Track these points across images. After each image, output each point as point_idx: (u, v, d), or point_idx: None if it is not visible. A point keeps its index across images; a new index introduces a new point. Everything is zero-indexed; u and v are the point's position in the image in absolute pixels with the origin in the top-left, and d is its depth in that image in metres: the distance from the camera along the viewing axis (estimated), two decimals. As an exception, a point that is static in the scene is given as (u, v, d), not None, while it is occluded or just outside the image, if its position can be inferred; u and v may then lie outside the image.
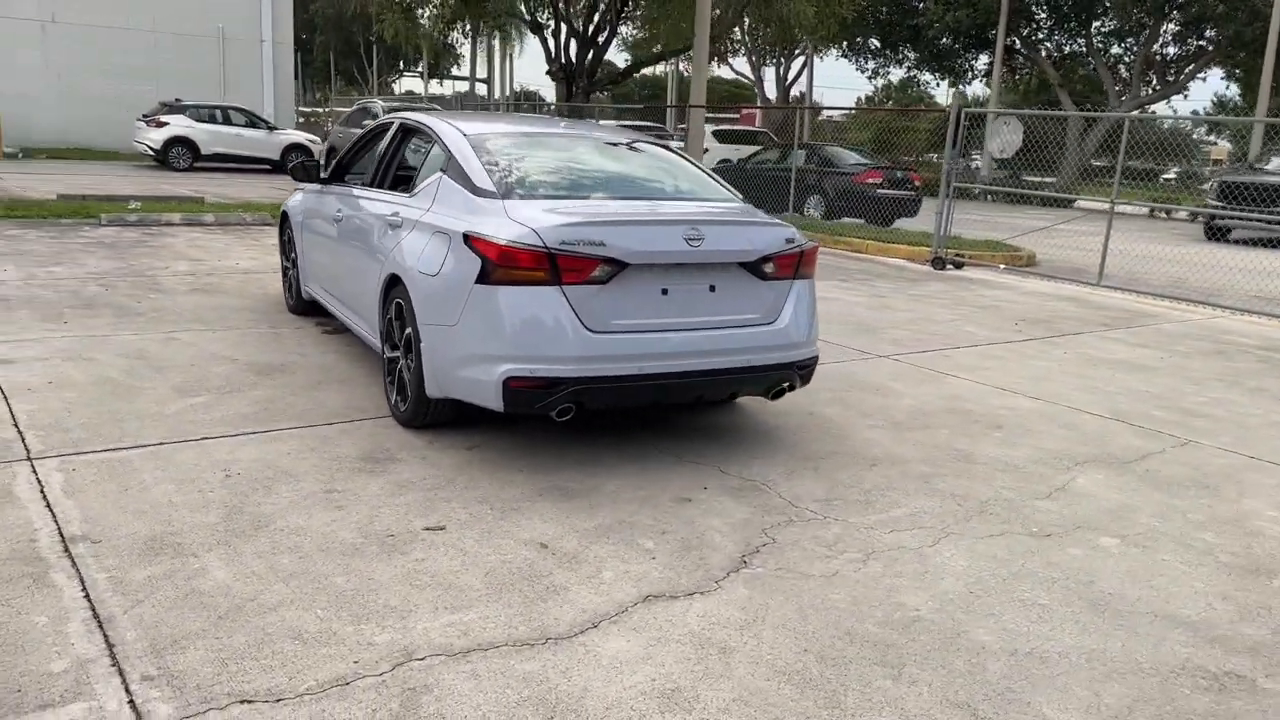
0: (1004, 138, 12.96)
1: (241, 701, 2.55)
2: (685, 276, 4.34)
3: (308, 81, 47.74)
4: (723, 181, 5.27)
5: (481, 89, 50.25)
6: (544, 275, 4.06)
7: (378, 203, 5.38)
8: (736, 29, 21.66)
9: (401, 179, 5.58)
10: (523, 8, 21.36)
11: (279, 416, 4.89)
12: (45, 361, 5.66)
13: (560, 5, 20.05)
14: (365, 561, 3.39)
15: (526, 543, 3.61)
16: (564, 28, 20.91)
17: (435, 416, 4.64)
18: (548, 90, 51.42)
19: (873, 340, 7.58)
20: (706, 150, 19.13)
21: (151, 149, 23.85)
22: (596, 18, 21.14)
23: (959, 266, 12.49)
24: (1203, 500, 4.51)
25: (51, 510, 3.65)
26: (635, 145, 5.37)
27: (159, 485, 3.95)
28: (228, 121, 24.81)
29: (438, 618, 3.04)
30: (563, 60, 20.85)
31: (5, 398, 4.95)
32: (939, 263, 12.39)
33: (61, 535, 3.45)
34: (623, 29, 24.87)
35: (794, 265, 4.65)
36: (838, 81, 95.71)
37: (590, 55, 21.48)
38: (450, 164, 4.82)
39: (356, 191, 5.87)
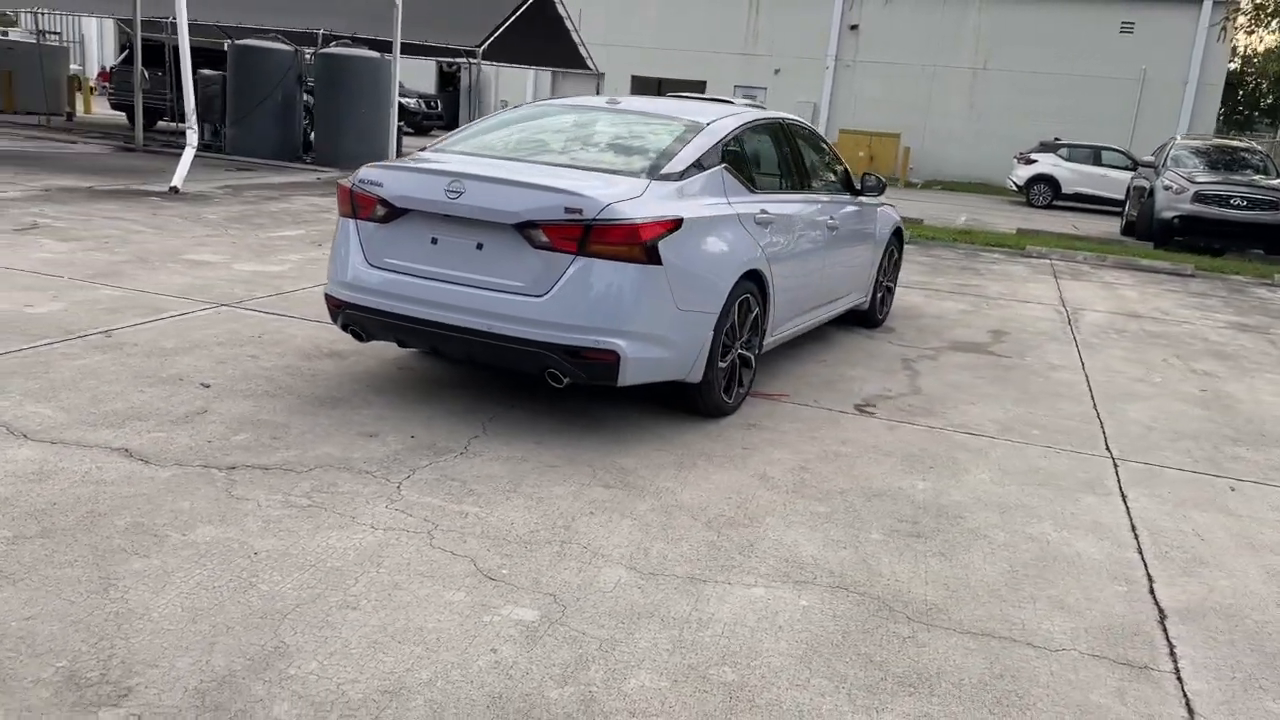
0: None
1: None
2: (455, 229, 4.35)
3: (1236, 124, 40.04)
4: (678, 156, 4.67)
5: None
6: (349, 209, 4.65)
7: None
8: None
9: None
10: None
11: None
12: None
13: None
14: (115, 375, 4.71)
15: (217, 419, 4.45)
16: None
17: None
18: None
19: (1206, 450, 5.12)
20: None
21: (1016, 185, 25.04)
22: None
23: None
24: None
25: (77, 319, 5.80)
26: (626, 114, 5.15)
27: (159, 331, 5.79)
28: (1098, 162, 24.39)
29: (40, 407, 4.26)
30: None
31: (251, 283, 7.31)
32: None
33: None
34: None
35: (577, 239, 4.13)
36: None
37: None
38: None
39: None
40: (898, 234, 7.53)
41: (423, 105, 29.98)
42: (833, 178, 6.49)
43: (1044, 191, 24.44)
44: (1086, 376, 6.49)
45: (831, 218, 6.01)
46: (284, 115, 17.36)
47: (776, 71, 30.57)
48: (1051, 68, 28.24)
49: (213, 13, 17.78)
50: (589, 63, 22.18)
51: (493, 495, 3.77)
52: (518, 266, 4.24)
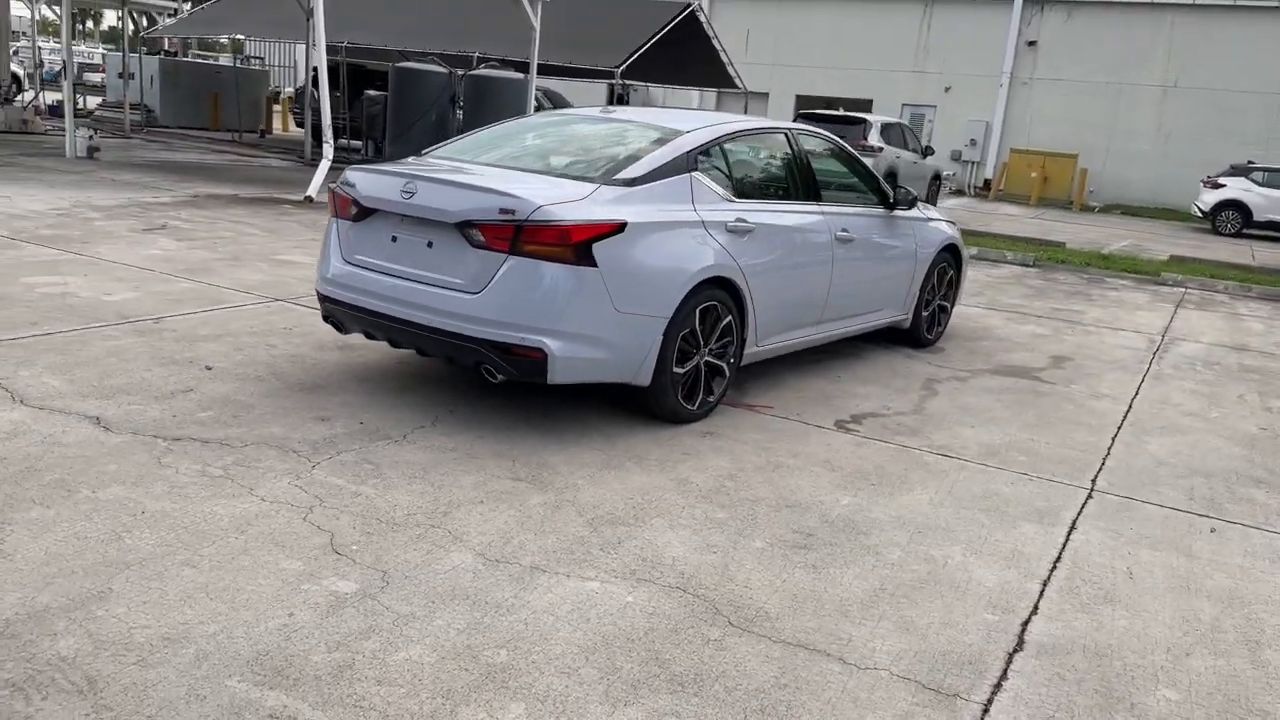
0: None
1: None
2: (411, 228, 4.58)
3: None
4: (637, 164, 4.74)
5: None
6: (334, 210, 4.98)
7: None
8: None
9: None
10: None
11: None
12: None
13: None
14: (135, 355, 5.22)
15: (197, 397, 4.88)
16: None
17: None
18: None
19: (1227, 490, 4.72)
20: None
21: (1201, 211, 23.25)
22: None
23: None
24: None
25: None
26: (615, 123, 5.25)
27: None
28: (1298, 187, 22.29)
29: (52, 378, 4.79)
30: None
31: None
32: None
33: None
34: None
35: (509, 239, 4.27)
36: None
37: None
38: None
39: None
40: (951, 250, 7.23)
41: (588, 124, 30.81)
42: (856, 190, 6.34)
43: (1232, 219, 22.54)
44: (1130, 407, 6.04)
45: (844, 230, 5.87)
46: (438, 132, 18.31)
47: (947, 89, 29.56)
48: (1253, 85, 26.00)
49: (381, 38, 19.08)
50: (738, 82, 22.25)
51: (397, 480, 3.95)
52: (459, 265, 4.43)
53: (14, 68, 28.74)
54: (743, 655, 2.90)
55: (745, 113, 23.51)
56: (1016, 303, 9.64)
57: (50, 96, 27.53)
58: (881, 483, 4.41)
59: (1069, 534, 4.01)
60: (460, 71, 18.44)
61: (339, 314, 4.90)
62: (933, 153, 18.80)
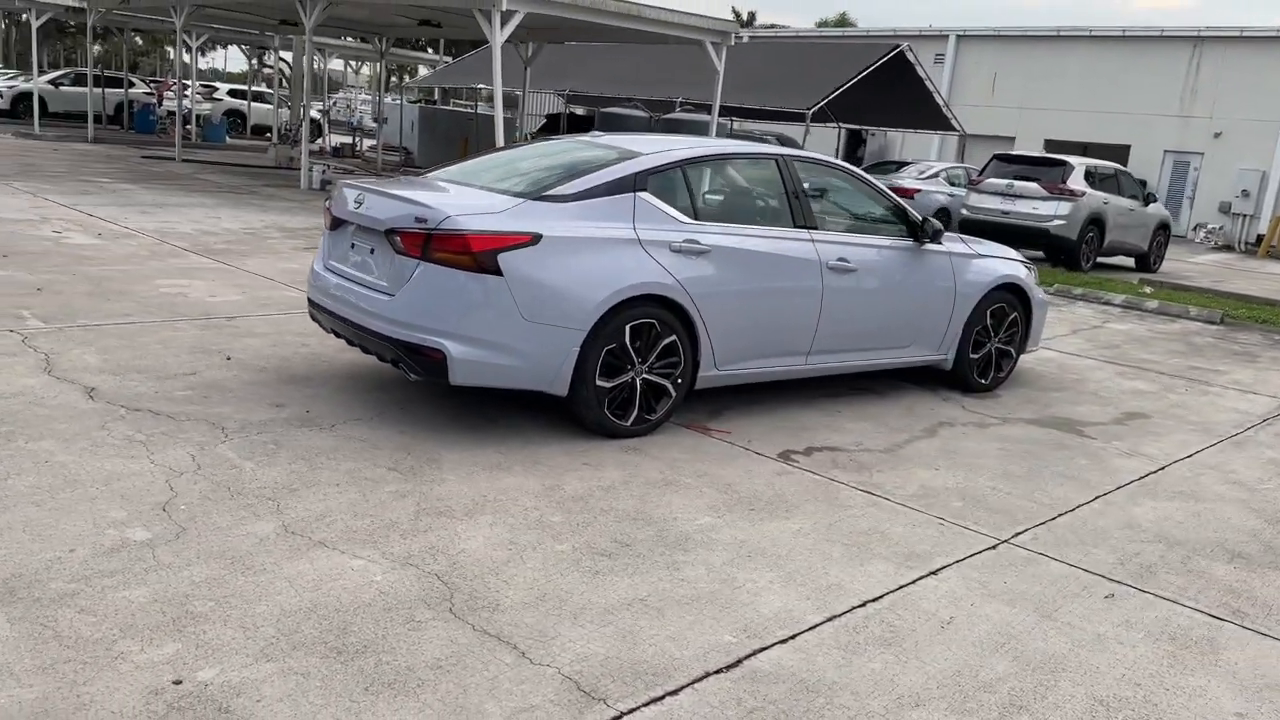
0: None
1: None
2: (362, 236, 4.99)
3: None
4: (591, 177, 4.93)
5: None
6: (324, 221, 5.50)
7: None
8: None
9: None
10: None
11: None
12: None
13: None
14: (178, 344, 5.97)
15: (190, 380, 5.54)
16: None
17: None
18: None
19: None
20: None
21: None
22: None
23: None
24: (261, 621, 2.97)
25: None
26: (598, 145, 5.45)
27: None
28: None
29: (94, 357, 5.61)
30: None
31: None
32: None
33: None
34: None
35: (421, 246, 4.55)
36: None
37: None
38: None
39: None
40: (1013, 290, 6.72)
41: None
42: (873, 221, 6.10)
43: None
44: (1160, 469, 5.38)
45: (841, 259, 5.69)
46: (637, 172, 19.10)
47: (1217, 135, 26.84)
48: None
49: (594, 86, 20.19)
50: (955, 124, 21.47)
51: (283, 459, 4.32)
52: (387, 269, 4.78)
53: (315, 115, 32.89)
54: (429, 637, 2.99)
55: (962, 158, 22.64)
56: (1150, 358, 8.72)
57: (336, 139, 31.36)
58: (764, 509, 4.26)
59: (920, 578, 3.71)
60: (658, 115, 19.13)
61: (316, 314, 5.39)
62: (1155, 200, 17.12)
